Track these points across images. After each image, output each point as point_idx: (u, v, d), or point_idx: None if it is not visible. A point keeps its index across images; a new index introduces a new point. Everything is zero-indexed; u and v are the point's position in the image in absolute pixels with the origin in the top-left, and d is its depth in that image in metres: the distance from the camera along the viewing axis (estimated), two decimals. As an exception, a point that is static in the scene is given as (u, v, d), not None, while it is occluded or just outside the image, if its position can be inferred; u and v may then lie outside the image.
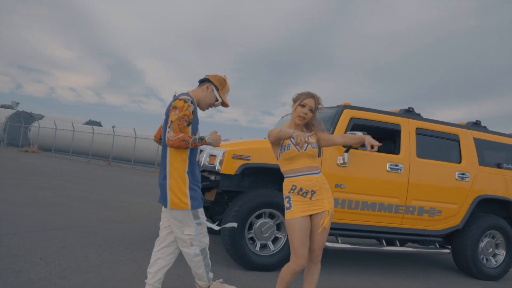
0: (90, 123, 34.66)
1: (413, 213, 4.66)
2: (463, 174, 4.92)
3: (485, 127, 5.39)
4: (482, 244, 4.99)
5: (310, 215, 2.62)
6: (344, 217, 4.37)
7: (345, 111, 4.50)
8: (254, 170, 4.17)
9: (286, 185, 2.69)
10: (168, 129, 2.55)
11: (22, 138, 27.03)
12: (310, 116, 2.75)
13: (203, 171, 4.15)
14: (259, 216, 4.07)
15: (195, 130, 2.71)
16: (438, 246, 4.91)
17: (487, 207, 5.26)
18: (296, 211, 2.59)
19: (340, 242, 4.34)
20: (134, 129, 22.14)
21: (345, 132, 4.39)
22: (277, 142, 2.71)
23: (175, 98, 2.66)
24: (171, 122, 2.54)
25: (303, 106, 2.72)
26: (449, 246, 5.02)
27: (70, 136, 24.12)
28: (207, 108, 2.89)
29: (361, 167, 4.42)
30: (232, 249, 3.90)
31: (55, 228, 4.75)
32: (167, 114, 2.65)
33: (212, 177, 4.00)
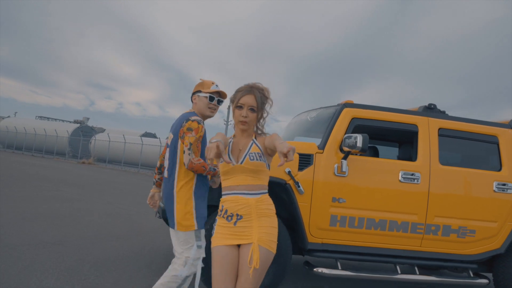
0: (146, 135, 36.05)
1: (435, 233, 3.77)
2: (504, 184, 3.93)
3: (533, 125, 4.33)
4: (534, 273, 3.94)
5: (238, 245, 2.02)
6: (344, 238, 3.64)
7: (345, 110, 3.78)
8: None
9: (219, 205, 2.18)
10: (188, 151, 2.50)
11: (81, 151, 28.61)
12: (254, 117, 2.15)
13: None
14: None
15: (202, 152, 2.61)
16: (472, 275, 3.94)
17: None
18: (217, 238, 2.07)
19: (340, 268, 3.59)
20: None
21: (345, 134, 3.67)
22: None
23: (185, 118, 2.59)
24: (190, 144, 2.51)
25: (240, 107, 2.13)
26: (487, 275, 4.03)
27: (123, 147, 25.05)
28: (211, 112, 2.75)
29: (365, 177, 3.66)
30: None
31: (41, 242, 4.53)
32: (176, 134, 2.62)
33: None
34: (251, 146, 2.13)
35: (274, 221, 2.09)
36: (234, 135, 2.24)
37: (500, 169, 4.01)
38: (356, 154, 3.64)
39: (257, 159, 2.09)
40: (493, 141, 4.05)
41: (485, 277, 3.92)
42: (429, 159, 3.82)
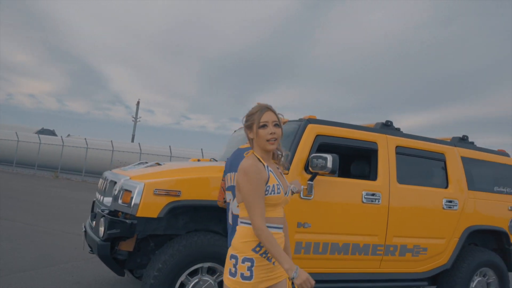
0: (43, 131, 32.42)
1: (393, 254, 3.72)
2: (450, 201, 4.04)
3: (472, 143, 4.57)
4: (473, 285, 4.13)
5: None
6: (308, 265, 3.35)
7: (309, 126, 3.50)
8: (188, 208, 3.08)
9: (252, 237, 1.86)
10: None
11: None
12: (280, 132, 1.97)
13: (115, 211, 3.02)
14: (193, 273, 2.97)
15: None
16: (424, 292, 3.99)
17: (474, 238, 4.42)
18: (256, 284, 1.83)
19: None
20: (85, 139, 20.47)
21: (310, 153, 3.40)
22: None
23: None
24: None
25: (264, 126, 1.93)
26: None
27: (15, 146, 21.99)
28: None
29: (329, 199, 3.43)
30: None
31: None
32: None
33: (125, 221, 2.86)
34: (283, 176, 2.07)
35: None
36: (260, 159, 1.95)
37: (447, 186, 4.12)
38: (324, 175, 3.38)
39: (288, 193, 2.04)
40: (441, 159, 4.15)
41: (435, 293, 4.00)
42: (389, 178, 3.74)
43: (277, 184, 1.93)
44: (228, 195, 2.38)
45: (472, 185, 4.24)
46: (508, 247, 4.42)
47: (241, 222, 1.95)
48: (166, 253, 2.84)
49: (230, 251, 1.93)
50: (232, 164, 2.34)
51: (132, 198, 2.82)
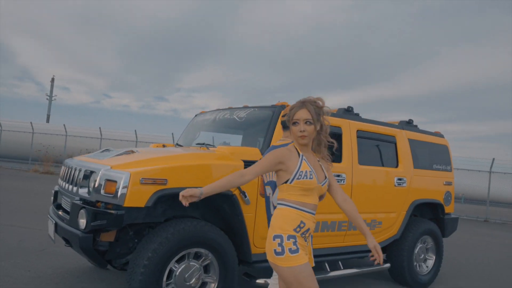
0: None
1: (355, 228, 4.07)
2: (400, 179, 4.51)
3: (416, 126, 5.08)
4: (416, 251, 4.69)
5: None
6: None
7: (283, 112, 3.63)
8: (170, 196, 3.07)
9: (292, 217, 2.11)
10: None
11: None
12: (312, 129, 2.14)
13: (98, 202, 2.91)
14: (180, 259, 3.01)
15: None
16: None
17: (416, 210, 4.98)
18: (303, 256, 2.11)
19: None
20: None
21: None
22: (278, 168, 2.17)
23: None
24: None
25: (296, 123, 2.16)
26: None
27: None
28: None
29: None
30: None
31: None
32: None
33: (111, 212, 2.78)
34: (321, 169, 2.23)
35: None
36: (298, 149, 2.20)
37: (397, 166, 4.57)
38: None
39: (324, 183, 2.22)
40: (392, 141, 4.57)
41: (387, 262, 4.48)
42: (351, 160, 4.05)
43: (310, 171, 2.12)
44: (268, 189, 2.57)
45: (417, 163, 4.75)
46: (442, 216, 5.07)
47: (279, 204, 2.16)
48: (154, 242, 2.82)
49: (272, 232, 2.11)
50: None
51: (118, 188, 2.74)
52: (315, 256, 3.70)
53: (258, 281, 3.38)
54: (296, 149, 2.19)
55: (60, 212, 3.42)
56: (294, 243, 2.07)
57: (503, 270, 6.11)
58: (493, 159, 14.37)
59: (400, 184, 4.49)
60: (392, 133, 4.58)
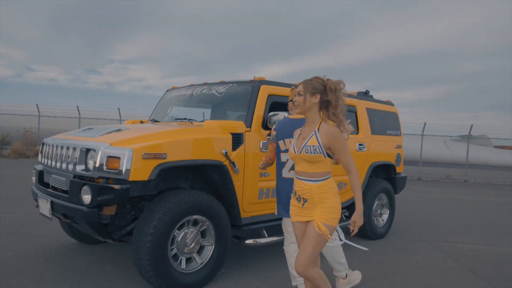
0: None
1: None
2: (361, 144, 5.04)
3: (372, 96, 5.61)
4: (374, 207, 5.31)
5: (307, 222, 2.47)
6: (268, 207, 3.91)
7: (262, 87, 3.90)
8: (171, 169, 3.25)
9: (294, 183, 2.56)
10: None
11: None
12: (301, 100, 2.45)
13: (99, 178, 3.03)
14: (180, 227, 3.25)
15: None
16: (344, 218, 5.00)
17: (372, 171, 5.58)
18: (292, 214, 2.56)
19: (266, 235, 3.89)
20: None
21: (265, 112, 3.84)
22: None
23: None
24: None
25: (293, 101, 2.53)
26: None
27: None
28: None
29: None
30: (154, 275, 3.01)
31: None
32: None
33: (117, 187, 2.93)
34: (310, 138, 2.39)
35: (334, 201, 2.43)
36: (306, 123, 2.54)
37: (358, 133, 5.07)
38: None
39: (312, 152, 2.36)
40: (353, 111, 5.05)
41: (349, 218, 5.03)
42: (321, 129, 4.45)
43: (293, 143, 2.51)
44: (285, 156, 2.98)
45: (373, 130, 5.30)
46: (394, 176, 5.73)
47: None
48: (158, 212, 3.03)
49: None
50: (285, 131, 2.96)
51: (122, 164, 2.88)
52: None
53: (247, 242, 3.72)
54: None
55: (49, 190, 3.47)
56: (290, 204, 2.58)
57: (442, 219, 7.06)
58: (425, 123, 15.85)
59: (361, 149, 5.02)
60: (353, 103, 5.05)
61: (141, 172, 2.95)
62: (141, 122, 4.50)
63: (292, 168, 2.78)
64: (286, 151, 2.96)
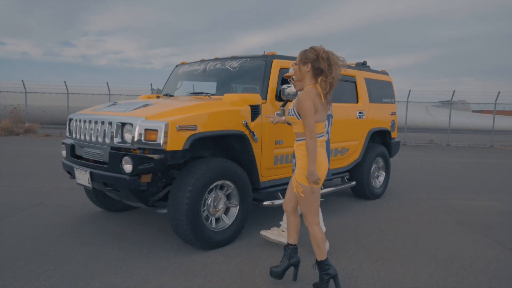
0: None
1: (335, 155, 4.96)
2: (361, 112, 5.43)
3: (369, 66, 5.95)
4: (372, 170, 5.78)
5: None
6: (282, 172, 4.31)
7: (274, 61, 4.19)
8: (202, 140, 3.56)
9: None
10: None
11: None
12: (297, 68, 2.76)
13: (138, 149, 3.34)
14: (210, 191, 3.61)
15: None
16: (346, 181, 5.45)
17: (370, 137, 6.01)
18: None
19: (281, 197, 4.29)
20: None
21: (278, 85, 4.14)
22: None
23: None
24: None
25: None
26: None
27: None
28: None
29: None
30: (191, 234, 3.39)
31: None
32: None
33: (156, 156, 3.25)
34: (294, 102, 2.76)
35: (302, 163, 2.68)
36: None
37: (357, 102, 5.45)
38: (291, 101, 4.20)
39: (290, 114, 2.76)
40: (353, 81, 5.40)
41: (353, 180, 5.50)
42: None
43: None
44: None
45: (371, 98, 5.68)
46: (389, 141, 6.18)
47: None
48: (192, 178, 3.37)
49: None
50: None
51: (160, 136, 3.18)
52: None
53: (264, 203, 4.12)
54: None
55: (83, 161, 3.77)
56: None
57: (431, 180, 7.63)
58: (410, 90, 16.35)
59: (360, 117, 5.42)
60: (352, 74, 5.39)
61: (176, 142, 3.26)
62: (158, 97, 4.76)
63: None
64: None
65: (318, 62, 2.64)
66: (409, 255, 3.60)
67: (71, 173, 3.98)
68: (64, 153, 4.15)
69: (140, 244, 3.71)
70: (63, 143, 4.18)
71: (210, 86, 5.03)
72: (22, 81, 16.39)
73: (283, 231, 3.75)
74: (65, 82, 16.37)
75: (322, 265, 2.76)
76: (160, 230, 4.12)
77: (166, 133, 3.19)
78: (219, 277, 3.04)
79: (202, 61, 4.93)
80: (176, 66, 5.35)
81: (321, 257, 2.76)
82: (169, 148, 3.23)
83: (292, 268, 2.99)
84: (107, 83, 16.29)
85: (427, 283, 3.01)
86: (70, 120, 4.13)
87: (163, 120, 3.25)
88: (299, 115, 2.66)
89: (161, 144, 3.19)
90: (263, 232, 3.84)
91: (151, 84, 15.16)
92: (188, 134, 3.33)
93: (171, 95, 4.88)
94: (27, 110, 16.65)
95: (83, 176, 3.67)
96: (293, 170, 2.89)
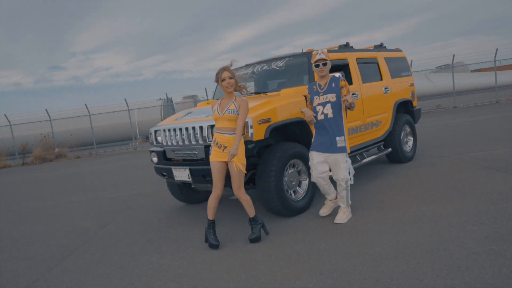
0: None
1: (367, 129, 5.78)
2: (386, 88, 6.24)
3: (385, 47, 6.75)
4: (402, 136, 6.59)
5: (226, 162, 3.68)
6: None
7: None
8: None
9: (215, 136, 3.78)
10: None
11: None
12: (234, 81, 3.72)
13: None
14: (286, 169, 4.44)
15: None
16: (383, 149, 6.28)
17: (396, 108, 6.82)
18: (212, 157, 3.73)
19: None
20: None
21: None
22: None
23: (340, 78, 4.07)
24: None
25: (224, 80, 3.70)
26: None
27: None
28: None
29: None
30: (280, 205, 4.23)
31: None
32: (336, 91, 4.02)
33: (248, 146, 4.07)
34: (230, 105, 3.68)
35: (243, 150, 3.69)
36: (223, 98, 3.80)
37: (381, 79, 6.26)
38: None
39: (232, 113, 3.64)
40: (375, 62, 6.21)
41: (388, 148, 6.32)
42: (358, 81, 5.62)
43: (216, 109, 3.73)
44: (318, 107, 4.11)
45: (392, 75, 6.49)
46: (412, 109, 6.99)
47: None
48: (273, 159, 4.20)
49: None
50: (312, 91, 4.21)
51: (247, 130, 4.01)
52: (353, 151, 5.36)
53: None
54: (220, 99, 3.84)
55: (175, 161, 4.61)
56: (210, 149, 3.77)
57: (450, 139, 8.44)
58: (411, 60, 17.09)
59: (386, 92, 6.23)
60: (374, 55, 6.20)
61: (260, 133, 4.10)
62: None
63: (332, 112, 3.99)
64: (318, 104, 4.08)
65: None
66: (454, 196, 4.42)
67: (165, 174, 4.82)
68: (155, 159, 4.99)
69: (223, 222, 4.57)
70: (152, 151, 5.02)
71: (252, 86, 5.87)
72: (46, 110, 17.29)
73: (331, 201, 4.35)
74: (85, 104, 17.28)
75: (254, 220, 3.86)
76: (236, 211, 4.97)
77: (251, 127, 4.03)
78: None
79: (247, 65, 5.75)
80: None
81: (252, 214, 3.84)
82: (255, 138, 4.06)
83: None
84: (125, 99, 17.16)
85: (474, 212, 3.83)
86: (156, 131, 4.96)
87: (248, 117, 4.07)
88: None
89: (250, 136, 4.03)
90: (338, 220, 4.08)
91: (205, 89, 16.52)
92: (266, 125, 4.16)
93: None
94: (54, 136, 17.54)
95: (182, 173, 4.51)
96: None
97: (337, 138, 4.02)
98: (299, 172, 4.62)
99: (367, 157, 5.78)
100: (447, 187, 4.81)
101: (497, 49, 16.69)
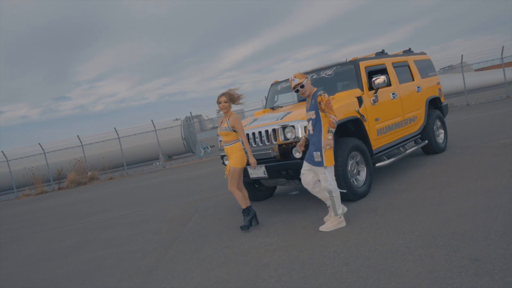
0: None
1: (407, 124, 6.51)
2: (418, 87, 6.99)
3: (413, 51, 7.53)
4: (434, 129, 7.29)
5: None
6: (383, 141, 5.85)
7: (360, 63, 5.79)
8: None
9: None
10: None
11: None
12: (227, 105, 4.74)
13: (294, 142, 4.89)
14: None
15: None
16: (420, 141, 6.99)
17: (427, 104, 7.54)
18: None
19: (386, 159, 5.83)
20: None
21: (367, 79, 5.71)
22: None
23: (319, 94, 4.17)
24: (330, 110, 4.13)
25: (220, 103, 4.74)
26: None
27: None
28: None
29: (382, 101, 5.89)
30: (347, 189, 4.94)
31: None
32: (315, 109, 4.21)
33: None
34: (224, 123, 4.73)
35: (238, 155, 4.67)
36: (223, 116, 4.83)
37: (413, 80, 7.02)
38: (383, 87, 5.74)
39: (225, 130, 4.71)
40: (407, 65, 6.98)
41: (424, 140, 7.02)
42: (396, 82, 6.38)
43: (217, 126, 4.70)
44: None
45: (421, 75, 7.25)
46: (440, 105, 7.73)
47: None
48: (338, 153, 4.93)
49: None
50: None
51: (298, 131, 4.78)
52: (397, 144, 6.07)
53: (377, 165, 5.67)
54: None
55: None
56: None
57: (474, 131, 9.11)
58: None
59: (418, 91, 6.98)
60: (405, 59, 6.98)
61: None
62: (272, 109, 6.36)
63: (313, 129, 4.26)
64: (307, 120, 4.34)
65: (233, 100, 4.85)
66: (495, 173, 5.10)
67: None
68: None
69: (291, 214, 5.27)
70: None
71: (289, 96, 6.66)
72: (78, 136, 18.21)
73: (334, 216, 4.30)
74: (115, 128, 18.17)
75: (245, 211, 4.80)
76: (296, 205, 5.67)
77: (302, 129, 4.77)
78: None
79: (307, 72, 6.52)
80: (272, 85, 6.96)
81: (244, 206, 4.78)
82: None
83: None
84: (152, 120, 18.04)
85: (500, 185, 4.51)
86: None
87: (295, 120, 4.83)
88: (233, 129, 4.68)
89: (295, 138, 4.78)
90: (322, 228, 4.24)
91: (265, 97, 17.49)
92: (330, 124, 4.90)
93: (280, 107, 6.48)
94: (86, 160, 18.43)
95: (257, 171, 5.24)
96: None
97: (314, 153, 4.18)
98: (357, 163, 5.34)
99: (408, 148, 6.49)
100: (487, 168, 5.49)
101: (503, 47, 17.46)
